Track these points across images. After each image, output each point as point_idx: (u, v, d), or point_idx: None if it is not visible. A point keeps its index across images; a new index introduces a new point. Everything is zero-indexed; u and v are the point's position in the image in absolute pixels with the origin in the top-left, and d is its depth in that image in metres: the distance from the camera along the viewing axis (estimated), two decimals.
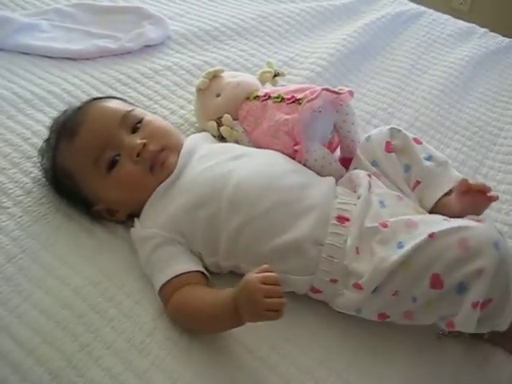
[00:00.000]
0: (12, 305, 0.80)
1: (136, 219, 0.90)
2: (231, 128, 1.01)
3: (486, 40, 1.59)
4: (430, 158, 0.92)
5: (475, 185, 0.83)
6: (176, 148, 0.93)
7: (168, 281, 0.81)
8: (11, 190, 0.96)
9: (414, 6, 1.72)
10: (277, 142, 0.94)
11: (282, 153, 0.94)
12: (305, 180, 0.88)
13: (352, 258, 0.80)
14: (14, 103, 1.14)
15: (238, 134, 1.00)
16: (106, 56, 1.32)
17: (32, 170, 1.00)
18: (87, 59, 1.30)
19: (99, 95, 1.16)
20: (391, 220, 0.80)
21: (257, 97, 1.01)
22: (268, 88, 1.05)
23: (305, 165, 0.92)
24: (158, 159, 0.90)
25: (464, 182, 0.84)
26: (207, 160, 0.90)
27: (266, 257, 0.82)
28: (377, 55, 1.47)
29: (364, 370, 0.80)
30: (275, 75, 1.10)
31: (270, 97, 0.98)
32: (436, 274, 0.74)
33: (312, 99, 0.90)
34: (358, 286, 0.79)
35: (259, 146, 0.98)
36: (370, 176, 0.90)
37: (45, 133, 1.05)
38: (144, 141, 0.89)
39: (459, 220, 0.79)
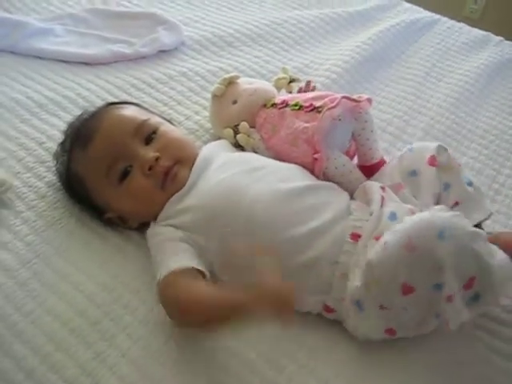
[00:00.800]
0: (26, 310, 0.80)
1: (152, 222, 0.88)
2: (248, 136, 0.99)
3: (501, 48, 1.58)
4: (470, 184, 0.91)
5: None
6: (189, 161, 0.91)
7: (170, 273, 0.78)
8: (25, 195, 0.96)
9: (428, 13, 1.71)
10: (295, 150, 0.93)
11: (301, 162, 0.93)
12: (321, 198, 0.86)
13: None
14: (29, 107, 1.14)
15: (255, 142, 0.99)
16: (120, 61, 1.31)
17: (46, 174, 0.99)
18: (101, 64, 1.30)
19: (114, 100, 1.17)
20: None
21: (274, 104, 1.00)
22: (285, 95, 1.04)
23: (324, 173, 0.91)
24: (170, 174, 0.88)
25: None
26: (224, 171, 0.89)
27: (282, 276, 0.81)
28: (392, 63, 1.46)
29: None
30: (290, 81, 1.09)
31: (287, 104, 0.97)
32: (404, 283, 0.73)
33: (332, 107, 0.89)
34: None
35: (277, 154, 0.97)
36: (383, 189, 0.87)
37: (59, 137, 1.05)
38: (157, 154, 0.87)
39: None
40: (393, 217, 0.81)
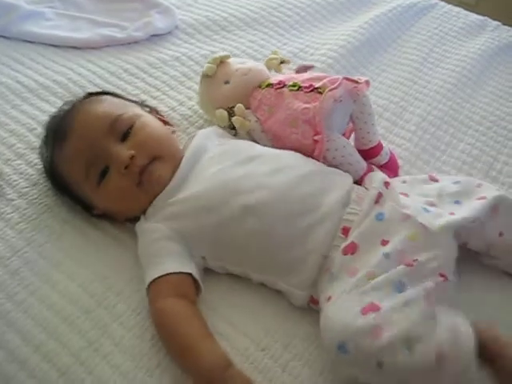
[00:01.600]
0: (18, 299, 0.79)
1: (142, 216, 0.87)
2: (244, 118, 0.97)
3: (498, 33, 1.56)
4: None
5: None
6: (169, 156, 0.88)
7: (158, 277, 0.78)
8: (16, 182, 0.94)
9: None
10: (294, 131, 0.90)
11: (300, 144, 0.90)
12: (320, 185, 0.83)
13: None
14: (19, 92, 1.12)
15: (251, 124, 0.96)
16: (112, 45, 1.29)
17: (37, 161, 0.98)
18: (93, 48, 1.27)
19: (106, 85, 1.15)
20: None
21: (270, 85, 0.97)
22: (280, 76, 1.02)
23: (324, 156, 0.89)
24: (145, 173, 0.85)
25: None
26: (218, 161, 0.87)
27: (274, 267, 0.80)
28: (388, 47, 1.44)
29: None
30: (281, 62, 1.06)
31: (285, 85, 0.95)
32: None
33: (334, 88, 0.87)
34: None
35: (274, 136, 0.94)
36: (387, 185, 0.83)
37: None
38: (132, 152, 0.84)
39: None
40: (380, 217, 0.78)
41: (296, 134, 0.91)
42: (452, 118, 1.25)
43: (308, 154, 0.90)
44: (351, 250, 0.76)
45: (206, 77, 1.03)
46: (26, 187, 0.94)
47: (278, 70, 1.06)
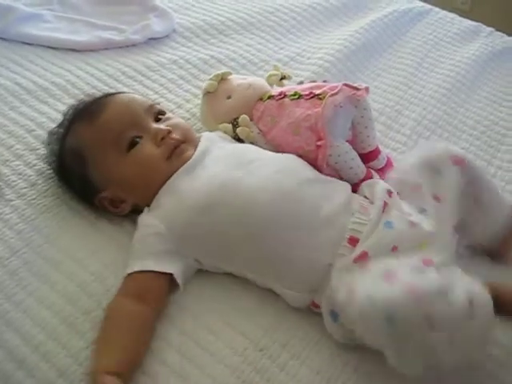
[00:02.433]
0: (17, 299, 0.79)
1: (146, 208, 0.87)
2: (248, 128, 0.98)
3: (492, 39, 1.58)
4: None
5: None
6: (194, 143, 0.93)
7: (136, 272, 0.79)
8: (15, 183, 0.95)
9: (420, 3, 1.70)
10: (297, 139, 0.91)
11: (303, 151, 0.91)
12: (320, 191, 0.84)
13: None
14: (17, 94, 1.12)
15: (254, 135, 0.98)
16: (110, 48, 1.30)
17: (36, 162, 0.99)
18: (91, 51, 1.28)
19: (104, 87, 1.16)
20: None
21: (271, 96, 0.99)
22: (281, 88, 1.03)
23: (327, 161, 0.90)
24: (179, 148, 0.90)
25: None
26: (219, 162, 0.88)
27: (272, 270, 0.81)
28: (383, 52, 1.46)
29: None
30: (282, 78, 1.07)
31: (285, 95, 0.96)
32: None
33: (334, 94, 0.88)
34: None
35: (278, 146, 0.95)
36: (390, 194, 0.84)
37: (49, 125, 1.04)
38: (169, 128, 0.91)
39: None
40: (389, 225, 0.79)
41: (299, 142, 0.91)
42: (446, 122, 1.26)
43: (311, 160, 0.91)
44: (363, 258, 0.76)
45: (208, 93, 1.04)
46: (25, 188, 0.94)
47: (280, 86, 1.07)
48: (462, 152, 0.91)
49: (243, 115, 0.98)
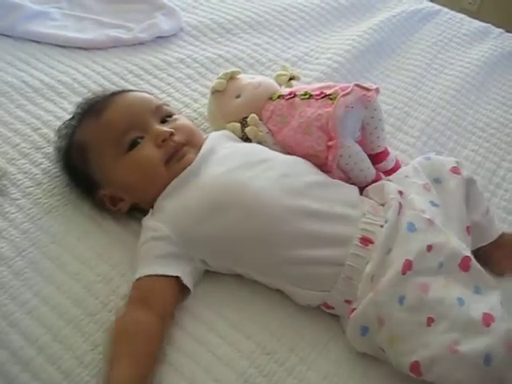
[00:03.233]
0: (22, 300, 0.78)
1: (150, 209, 0.86)
2: (257, 128, 0.97)
3: (502, 40, 1.56)
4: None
5: None
6: (197, 147, 0.91)
7: (145, 276, 0.78)
8: (21, 182, 0.94)
9: (429, 4, 1.69)
10: (308, 139, 0.90)
11: (314, 151, 0.90)
12: (327, 193, 0.84)
13: (365, 284, 0.76)
14: (24, 92, 1.11)
15: (263, 135, 0.97)
16: (117, 46, 1.29)
17: (42, 160, 0.98)
18: (98, 49, 1.27)
19: (111, 86, 1.15)
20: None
21: (281, 96, 0.98)
22: (290, 88, 1.02)
23: (337, 162, 0.89)
24: (179, 152, 0.88)
25: None
26: (226, 163, 0.87)
27: (280, 270, 0.80)
28: (392, 53, 1.45)
29: None
30: (290, 78, 1.06)
31: (295, 95, 0.95)
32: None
33: (346, 94, 0.87)
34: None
35: (287, 146, 0.94)
36: (401, 193, 0.84)
37: (55, 123, 1.03)
38: (172, 130, 0.89)
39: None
40: (411, 228, 0.79)
41: (310, 142, 0.90)
42: (455, 124, 1.25)
43: (321, 161, 0.90)
44: (409, 269, 0.75)
45: (217, 92, 1.03)
46: (31, 187, 0.93)
47: (288, 87, 1.06)
48: (460, 162, 0.93)
49: (252, 114, 0.97)
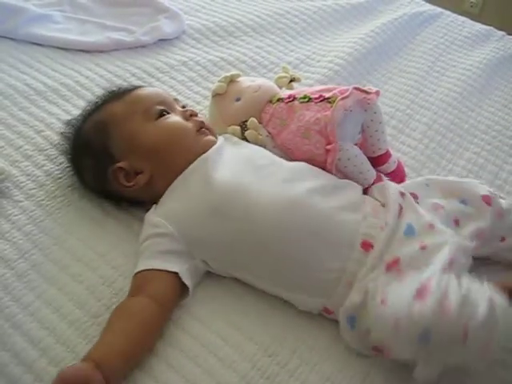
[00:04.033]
0: (24, 302, 0.78)
1: (154, 205, 0.86)
2: (257, 131, 0.97)
3: (503, 43, 1.57)
4: None
5: None
6: (213, 135, 0.95)
7: (144, 270, 0.79)
8: (24, 184, 0.94)
9: (431, 7, 1.69)
10: (307, 143, 0.91)
11: (312, 154, 0.90)
12: (328, 199, 0.83)
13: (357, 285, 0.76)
14: (27, 95, 1.12)
15: (262, 138, 0.97)
16: (120, 49, 1.29)
17: (45, 163, 0.98)
18: (101, 52, 1.28)
19: (113, 88, 1.15)
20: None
21: (280, 99, 0.98)
22: (290, 91, 1.02)
23: (336, 165, 0.89)
24: (206, 125, 0.94)
25: None
26: (231, 166, 0.87)
27: (280, 276, 0.80)
28: (394, 56, 1.45)
29: None
30: (291, 80, 1.06)
31: (295, 98, 0.95)
32: None
33: (345, 97, 0.87)
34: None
35: (287, 149, 0.94)
36: (403, 195, 0.84)
37: (58, 125, 1.04)
38: (196, 111, 0.96)
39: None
40: (410, 231, 0.78)
41: (308, 145, 0.91)
42: (458, 126, 1.25)
43: (320, 164, 0.90)
44: (394, 265, 0.75)
45: (217, 95, 1.03)
46: (34, 189, 0.94)
47: (289, 89, 1.06)
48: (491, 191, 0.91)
49: (252, 118, 0.97)
